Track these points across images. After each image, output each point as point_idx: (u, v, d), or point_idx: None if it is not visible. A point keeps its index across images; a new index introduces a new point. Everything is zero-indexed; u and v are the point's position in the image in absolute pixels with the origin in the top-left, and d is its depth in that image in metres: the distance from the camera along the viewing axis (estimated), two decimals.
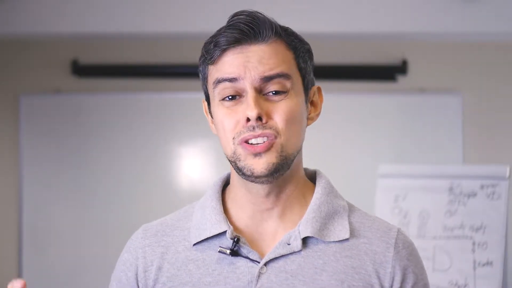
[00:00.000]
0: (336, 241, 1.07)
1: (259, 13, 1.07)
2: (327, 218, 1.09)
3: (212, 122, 1.14)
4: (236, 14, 1.07)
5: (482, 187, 2.32)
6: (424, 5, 3.23)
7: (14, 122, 3.47)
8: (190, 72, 3.35)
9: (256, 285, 1.04)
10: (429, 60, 3.40)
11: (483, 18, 3.20)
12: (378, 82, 3.40)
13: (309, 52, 1.12)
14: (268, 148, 1.03)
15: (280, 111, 1.04)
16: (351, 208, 1.14)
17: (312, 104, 1.14)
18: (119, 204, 3.41)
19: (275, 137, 1.03)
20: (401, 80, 3.39)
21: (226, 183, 1.18)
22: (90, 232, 3.40)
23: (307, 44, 1.12)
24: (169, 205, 3.31)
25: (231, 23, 1.06)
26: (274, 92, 1.05)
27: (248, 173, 1.04)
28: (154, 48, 3.47)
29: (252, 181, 1.06)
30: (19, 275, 3.42)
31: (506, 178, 2.27)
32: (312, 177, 1.17)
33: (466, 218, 2.32)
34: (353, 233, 1.09)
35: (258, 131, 1.02)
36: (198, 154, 3.41)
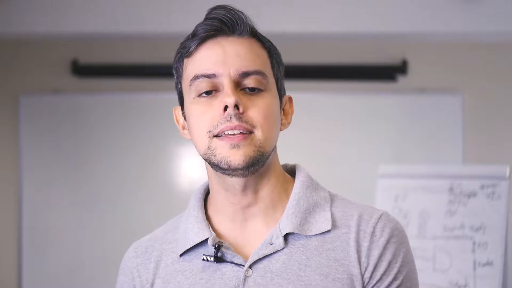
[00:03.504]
0: (318, 234, 1.06)
1: (237, 9, 1.08)
2: (307, 212, 1.08)
3: (184, 128, 1.14)
4: (214, 8, 1.07)
5: (482, 187, 2.32)
6: (424, 5, 3.23)
7: (14, 122, 3.46)
8: None
9: None
10: (429, 60, 3.40)
11: (483, 18, 3.20)
12: (378, 82, 3.40)
13: (280, 57, 1.13)
14: (245, 140, 1.02)
15: (257, 106, 1.03)
16: (333, 198, 1.12)
17: (284, 112, 1.13)
18: (118, 204, 3.40)
19: (250, 132, 1.02)
20: (401, 80, 3.39)
21: (208, 192, 1.17)
22: (89, 232, 3.40)
23: (278, 50, 1.13)
24: (168, 205, 3.33)
25: (208, 16, 1.07)
26: (250, 88, 1.04)
27: (225, 166, 1.02)
28: (154, 48, 3.47)
29: (228, 175, 1.04)
30: (19, 275, 3.42)
31: (506, 178, 2.26)
32: (293, 172, 1.16)
33: (466, 218, 2.32)
34: (335, 223, 1.07)
35: (235, 122, 1.01)
36: (198, 154, 3.40)
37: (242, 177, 1.05)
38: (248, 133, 1.02)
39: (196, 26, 1.08)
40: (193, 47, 1.06)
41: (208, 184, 1.17)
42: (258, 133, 1.03)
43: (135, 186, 3.41)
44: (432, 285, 2.33)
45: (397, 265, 1.05)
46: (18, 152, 3.45)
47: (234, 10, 1.07)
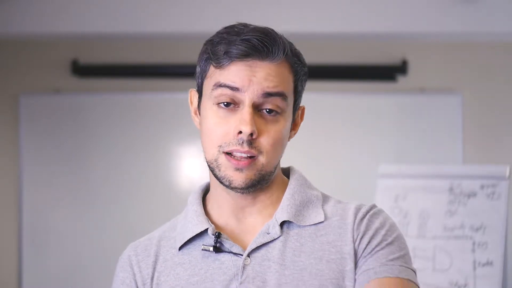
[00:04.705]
0: (311, 225, 1.12)
1: (273, 30, 1.09)
2: (301, 206, 1.13)
3: (196, 113, 1.17)
4: (252, 30, 1.07)
5: (482, 187, 2.32)
6: (424, 5, 3.23)
7: (14, 122, 3.47)
8: (189, 72, 3.34)
9: (241, 276, 1.07)
10: (429, 60, 3.40)
11: (483, 18, 3.20)
12: (378, 82, 3.40)
13: (306, 75, 1.16)
14: (249, 165, 1.07)
15: (269, 133, 1.08)
16: (324, 198, 1.18)
17: (294, 122, 1.17)
18: (118, 204, 3.41)
19: (257, 156, 1.07)
20: (401, 80, 3.39)
21: (207, 191, 1.22)
22: (90, 232, 3.40)
23: (306, 66, 1.15)
24: (168, 205, 3.33)
25: (245, 37, 1.06)
26: (268, 110, 1.08)
27: (226, 183, 1.08)
28: (154, 48, 3.47)
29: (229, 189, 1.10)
30: (19, 275, 3.42)
31: (506, 178, 2.27)
32: (288, 173, 1.21)
33: (466, 218, 2.32)
34: (327, 216, 1.13)
35: (246, 147, 1.06)
36: (198, 154, 3.38)
37: (242, 193, 1.11)
38: (256, 157, 1.07)
39: (228, 38, 1.07)
40: (224, 64, 1.07)
41: (206, 184, 1.22)
42: (262, 159, 1.08)
43: (135, 186, 3.42)
44: (432, 285, 2.33)
45: (385, 228, 1.11)
46: (18, 152, 3.45)
47: (270, 34, 1.08)
